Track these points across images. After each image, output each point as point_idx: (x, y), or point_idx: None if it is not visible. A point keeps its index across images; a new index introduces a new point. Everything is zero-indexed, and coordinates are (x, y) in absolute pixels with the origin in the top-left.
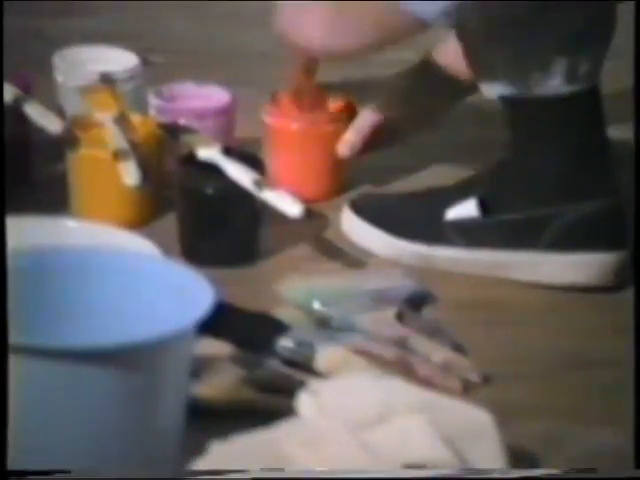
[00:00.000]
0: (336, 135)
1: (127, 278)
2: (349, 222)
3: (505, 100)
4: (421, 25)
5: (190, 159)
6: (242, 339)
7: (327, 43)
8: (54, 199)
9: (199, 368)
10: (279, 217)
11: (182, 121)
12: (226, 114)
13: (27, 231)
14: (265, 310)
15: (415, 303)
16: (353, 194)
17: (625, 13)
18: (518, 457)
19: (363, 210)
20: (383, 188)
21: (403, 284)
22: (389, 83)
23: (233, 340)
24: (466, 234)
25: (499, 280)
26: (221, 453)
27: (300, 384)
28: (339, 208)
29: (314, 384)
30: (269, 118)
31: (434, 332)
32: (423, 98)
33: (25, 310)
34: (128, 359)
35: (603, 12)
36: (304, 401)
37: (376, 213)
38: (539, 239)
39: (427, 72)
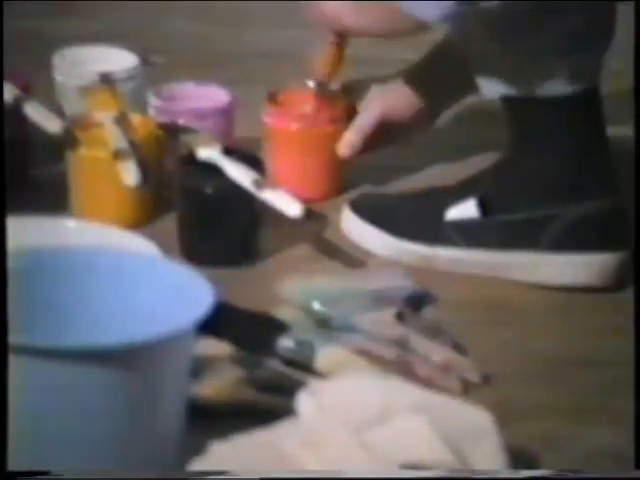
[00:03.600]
0: (336, 135)
1: (127, 278)
2: (349, 222)
3: (505, 100)
4: (422, 26)
5: (190, 159)
6: (242, 339)
7: (351, 22)
8: (54, 199)
9: (199, 368)
10: (279, 217)
11: (182, 121)
12: (226, 114)
13: (27, 231)
14: (265, 310)
15: (415, 303)
16: (353, 194)
17: (625, 13)
18: (518, 457)
19: (363, 210)
20: (383, 188)
21: (403, 284)
22: (418, 63)
23: (233, 340)
24: (466, 234)
25: (499, 280)
26: (221, 453)
27: (300, 384)
28: (339, 208)
29: (314, 384)
30: (269, 118)
31: (434, 332)
32: (445, 79)
33: (25, 310)
34: (128, 359)
35: (603, 12)
36: (304, 401)
37: (376, 213)
38: (539, 239)
39: (449, 52)
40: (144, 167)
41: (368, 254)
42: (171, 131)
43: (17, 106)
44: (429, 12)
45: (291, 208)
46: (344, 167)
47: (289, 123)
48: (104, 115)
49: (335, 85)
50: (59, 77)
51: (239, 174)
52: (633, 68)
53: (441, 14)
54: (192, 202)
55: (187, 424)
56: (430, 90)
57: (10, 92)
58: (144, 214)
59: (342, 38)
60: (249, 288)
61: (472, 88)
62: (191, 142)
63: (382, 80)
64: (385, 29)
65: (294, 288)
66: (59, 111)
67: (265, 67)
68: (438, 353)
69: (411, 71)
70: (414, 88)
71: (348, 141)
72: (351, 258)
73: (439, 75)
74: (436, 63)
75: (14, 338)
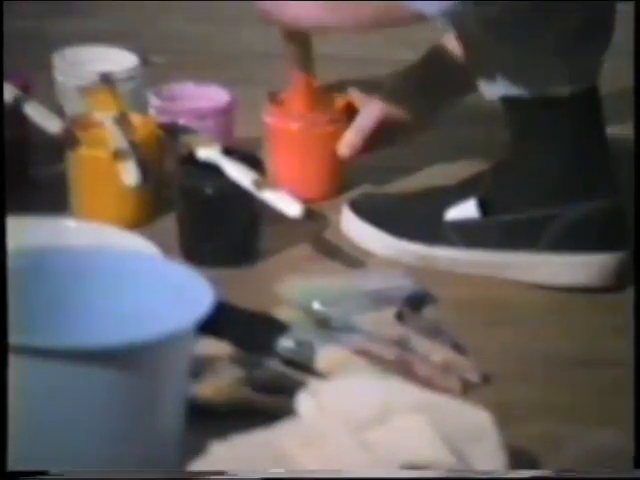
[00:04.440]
0: (336, 135)
1: (127, 278)
2: (349, 222)
3: (505, 100)
4: (419, 17)
5: (190, 159)
6: (242, 339)
7: (324, 20)
8: (54, 199)
9: (199, 368)
10: (279, 217)
11: (182, 121)
12: (226, 114)
13: (27, 231)
14: (265, 310)
15: (415, 303)
16: (353, 194)
17: (625, 13)
18: (518, 457)
19: (363, 210)
20: (383, 188)
21: (403, 284)
22: (398, 75)
23: (233, 340)
24: (466, 234)
25: (499, 280)
26: (221, 453)
27: (300, 384)
28: (339, 208)
29: (314, 384)
30: (269, 118)
31: (434, 332)
32: (432, 88)
33: (25, 310)
34: (128, 359)
35: (602, 12)
36: (304, 401)
37: (376, 213)
38: (539, 239)
39: (439, 59)
40: (144, 167)
41: (368, 254)
42: (171, 131)
43: (17, 106)
44: (429, 6)
45: (291, 208)
46: (344, 167)
47: (289, 123)
48: (104, 115)
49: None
50: (59, 77)
51: (239, 174)
52: (633, 68)
53: (444, 9)
54: (192, 202)
55: (187, 424)
56: (420, 97)
57: (10, 92)
58: (144, 214)
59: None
60: (249, 288)
61: (468, 89)
62: (191, 142)
63: (378, 80)
64: (370, 23)
65: (294, 288)
66: (59, 111)
67: (265, 67)
68: (438, 353)
69: (397, 80)
70: (399, 101)
71: (348, 141)
72: (351, 258)
73: (431, 79)
74: (428, 67)
75: (14, 338)
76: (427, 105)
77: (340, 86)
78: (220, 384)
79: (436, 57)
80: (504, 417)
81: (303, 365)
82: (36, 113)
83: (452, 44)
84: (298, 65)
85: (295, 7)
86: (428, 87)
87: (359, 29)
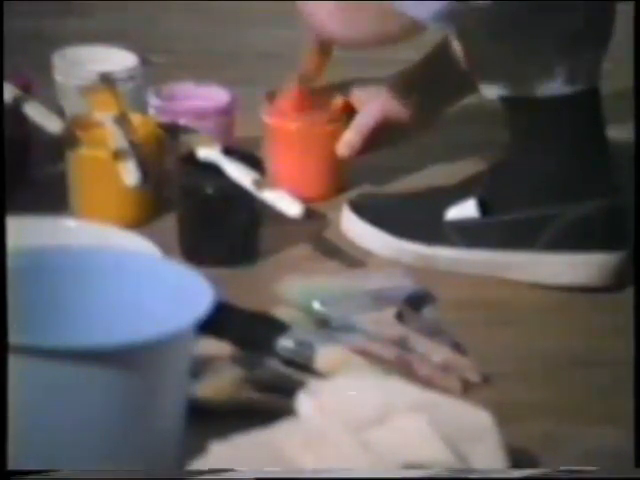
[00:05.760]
0: (336, 135)
1: (127, 278)
2: (349, 222)
3: (505, 100)
4: (418, 26)
5: (190, 159)
6: (242, 339)
7: (339, 32)
8: (54, 199)
9: (199, 368)
10: (279, 217)
11: (182, 121)
12: (226, 114)
13: (27, 231)
14: (265, 310)
15: (415, 303)
16: (353, 194)
17: (625, 13)
18: (518, 457)
19: (363, 210)
20: (383, 188)
21: (403, 284)
22: (401, 73)
23: (233, 340)
24: (466, 234)
25: (499, 280)
26: (221, 453)
27: (300, 384)
28: (339, 208)
29: (314, 384)
30: (269, 118)
31: (434, 332)
32: (434, 88)
33: (25, 310)
34: (128, 359)
35: (602, 12)
36: (304, 401)
37: (376, 213)
38: (539, 239)
39: (441, 59)
40: (144, 167)
41: (368, 254)
42: (171, 131)
43: (17, 106)
44: (423, 10)
45: (291, 208)
46: (344, 167)
47: (288, 123)
48: (104, 115)
49: (320, 81)
50: (59, 77)
51: (239, 174)
52: (633, 68)
53: (435, 12)
54: (192, 202)
55: (187, 424)
56: (422, 96)
57: (10, 92)
58: (144, 214)
59: (326, 45)
60: (249, 288)
61: (470, 89)
62: (191, 142)
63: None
64: (373, 37)
65: (294, 288)
66: (59, 111)
67: (265, 67)
68: (438, 353)
69: (400, 78)
70: (402, 97)
71: (348, 141)
72: (351, 258)
73: (433, 79)
74: (430, 67)
75: (14, 338)
76: (429, 105)
77: (340, 86)
78: (220, 384)
79: (439, 57)
80: (504, 417)
81: (303, 365)
82: (36, 113)
83: (454, 44)
84: (313, 59)
85: (316, 18)
86: (430, 86)
87: (372, 43)
